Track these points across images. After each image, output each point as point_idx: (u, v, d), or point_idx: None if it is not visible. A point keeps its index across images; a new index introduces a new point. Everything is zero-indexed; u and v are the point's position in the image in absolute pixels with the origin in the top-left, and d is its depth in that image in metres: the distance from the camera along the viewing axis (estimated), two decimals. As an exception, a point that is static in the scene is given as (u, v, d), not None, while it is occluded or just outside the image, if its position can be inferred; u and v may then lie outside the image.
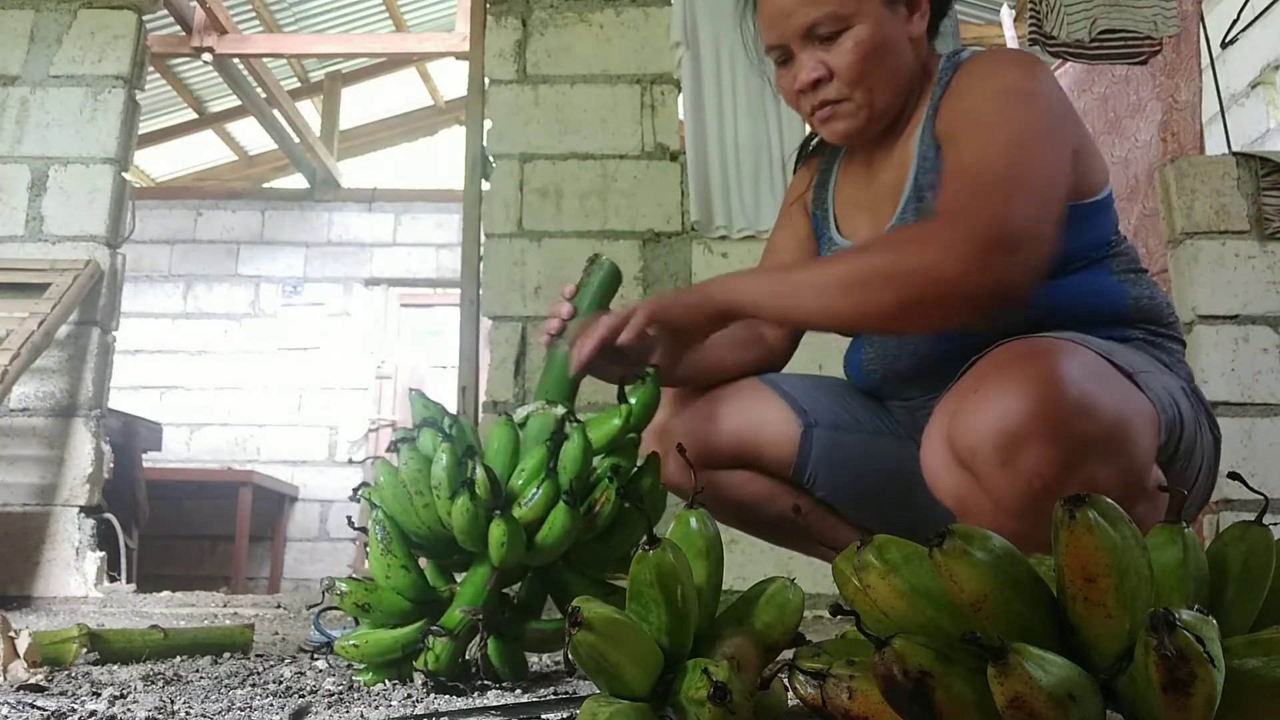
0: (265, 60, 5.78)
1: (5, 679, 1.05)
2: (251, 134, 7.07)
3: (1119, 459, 0.97)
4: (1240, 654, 0.62)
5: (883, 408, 1.39)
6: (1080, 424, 0.94)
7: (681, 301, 1.23)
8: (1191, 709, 0.57)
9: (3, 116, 3.29)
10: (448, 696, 1.03)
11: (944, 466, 1.02)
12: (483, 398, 3.08)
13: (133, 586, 3.16)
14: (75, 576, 2.96)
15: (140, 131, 3.74)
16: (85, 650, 1.28)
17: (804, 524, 1.38)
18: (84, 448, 3.05)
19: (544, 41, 3.31)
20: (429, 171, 7.62)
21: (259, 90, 5.80)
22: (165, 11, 4.44)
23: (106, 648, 1.32)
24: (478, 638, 1.07)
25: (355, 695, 1.03)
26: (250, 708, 0.94)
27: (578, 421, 1.12)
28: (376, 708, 0.96)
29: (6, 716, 0.87)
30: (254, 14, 5.80)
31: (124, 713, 0.90)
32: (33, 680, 1.05)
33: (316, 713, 0.93)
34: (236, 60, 5.42)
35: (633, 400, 1.17)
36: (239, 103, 6.17)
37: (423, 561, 1.17)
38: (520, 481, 1.09)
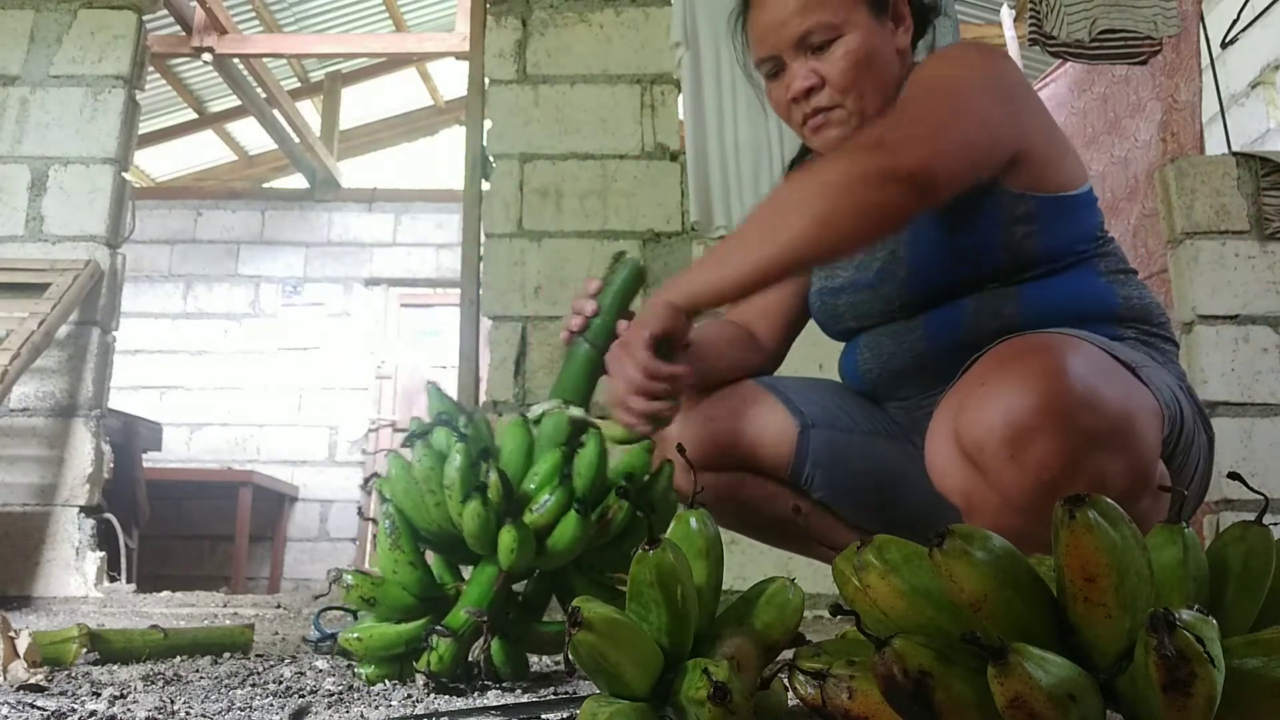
0: (265, 60, 5.77)
1: (5, 679, 1.05)
2: (251, 134, 7.07)
3: (1125, 452, 0.97)
4: (1240, 654, 0.62)
5: (879, 409, 1.40)
6: (1087, 417, 0.94)
7: (654, 312, 1.19)
8: (1191, 709, 0.56)
9: (3, 116, 3.29)
10: (448, 696, 1.03)
11: (950, 462, 1.02)
12: (483, 398, 3.08)
13: (133, 586, 3.16)
14: (75, 576, 2.96)
15: (140, 131, 3.74)
16: (85, 650, 1.28)
17: (804, 524, 1.38)
18: (84, 448, 3.05)
19: (544, 41, 3.31)
20: (429, 171, 7.61)
21: (259, 90, 5.79)
22: (165, 11, 4.43)
23: (106, 648, 1.31)
24: (481, 639, 1.07)
25: (355, 695, 1.03)
26: (250, 708, 0.94)
27: (594, 426, 1.11)
28: (376, 708, 0.96)
29: (6, 716, 0.87)
30: (254, 14, 5.79)
31: (124, 713, 0.90)
32: (33, 680, 1.05)
33: (316, 713, 0.93)
34: (236, 60, 5.42)
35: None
36: (239, 103, 6.16)
37: (430, 554, 1.16)
38: (533, 485, 1.08)
